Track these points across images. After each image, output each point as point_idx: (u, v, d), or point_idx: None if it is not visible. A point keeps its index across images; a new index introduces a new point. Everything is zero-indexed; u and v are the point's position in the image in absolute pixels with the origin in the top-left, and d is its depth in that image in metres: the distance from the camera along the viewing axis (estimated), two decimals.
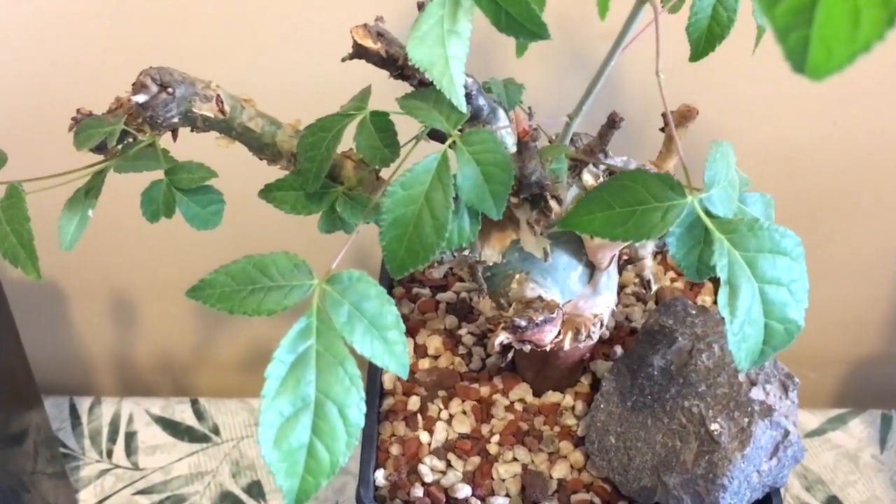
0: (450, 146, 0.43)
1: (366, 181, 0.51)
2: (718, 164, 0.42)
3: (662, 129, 0.59)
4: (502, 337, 0.51)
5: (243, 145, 0.50)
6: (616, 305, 0.59)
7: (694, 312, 0.63)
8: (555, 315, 0.52)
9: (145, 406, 0.96)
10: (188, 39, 0.75)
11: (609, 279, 0.57)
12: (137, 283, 0.95)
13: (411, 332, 0.67)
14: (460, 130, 0.43)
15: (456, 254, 0.53)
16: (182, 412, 0.95)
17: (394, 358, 0.41)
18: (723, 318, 0.54)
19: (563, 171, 0.49)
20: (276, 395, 0.38)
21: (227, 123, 0.48)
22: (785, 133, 0.81)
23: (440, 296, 0.72)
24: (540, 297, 0.52)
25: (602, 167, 0.54)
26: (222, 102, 0.48)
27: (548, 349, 0.53)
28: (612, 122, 0.48)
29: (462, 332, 0.68)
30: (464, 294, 0.72)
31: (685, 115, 0.57)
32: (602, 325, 0.56)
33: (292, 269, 0.41)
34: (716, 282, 0.70)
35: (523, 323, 0.51)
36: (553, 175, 0.47)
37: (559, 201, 0.49)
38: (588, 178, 0.53)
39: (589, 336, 0.56)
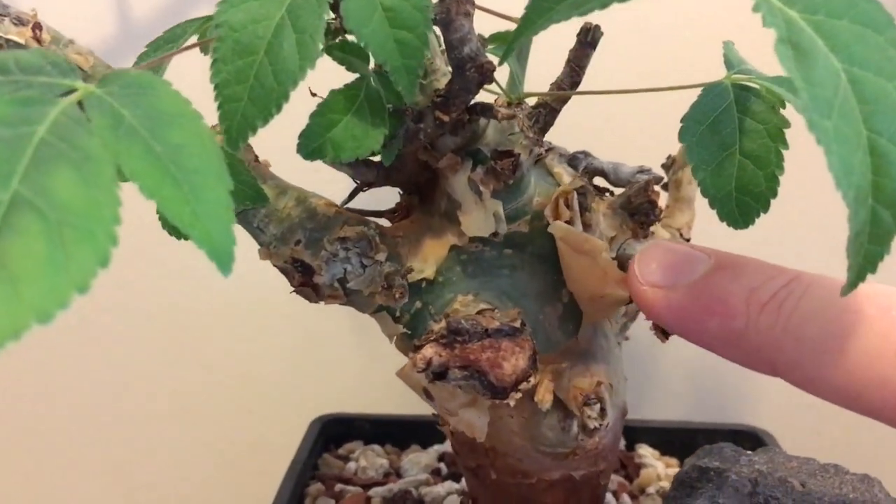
0: None
1: None
2: None
3: (665, 187, 0.44)
4: (431, 353, 0.31)
5: None
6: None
7: (750, 452, 0.41)
8: (518, 326, 0.32)
9: None
10: None
11: (608, 343, 0.37)
12: None
13: None
14: None
15: (365, 262, 0.34)
16: None
17: (202, 222, 0.23)
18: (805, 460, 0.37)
19: (511, 59, 0.33)
20: None
21: None
22: None
23: (374, 490, 0.49)
24: (496, 308, 0.33)
25: (582, 164, 0.38)
26: (41, 29, 0.35)
27: (508, 396, 0.32)
28: (586, 37, 0.33)
29: None
30: (410, 488, 0.49)
31: None
32: (604, 408, 0.35)
33: (44, 66, 0.24)
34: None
35: (466, 326, 0.31)
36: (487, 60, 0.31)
37: (514, 156, 0.33)
38: (560, 171, 0.37)
39: (585, 427, 0.35)
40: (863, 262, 0.23)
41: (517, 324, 0.32)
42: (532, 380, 0.32)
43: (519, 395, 0.32)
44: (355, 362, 0.65)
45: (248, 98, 0.26)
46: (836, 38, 0.23)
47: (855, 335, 0.25)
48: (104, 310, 0.66)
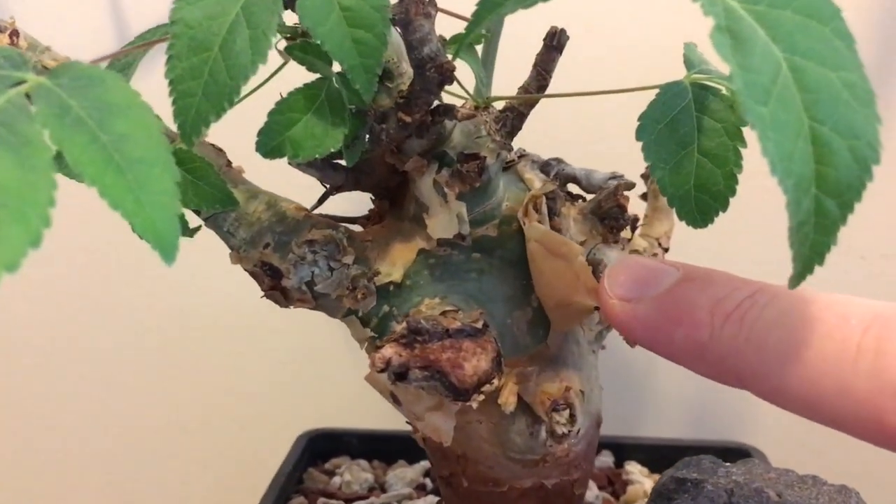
0: None
1: None
2: None
3: (643, 196, 0.44)
4: (390, 353, 0.31)
5: None
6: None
7: (728, 464, 0.41)
8: (480, 327, 0.32)
9: None
10: None
11: (580, 350, 0.37)
12: None
13: None
14: None
15: (333, 265, 0.34)
16: None
17: (146, 211, 0.23)
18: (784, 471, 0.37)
19: (476, 63, 0.33)
20: None
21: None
22: None
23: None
24: (459, 309, 0.33)
25: (554, 171, 0.38)
26: (18, 36, 0.35)
27: (472, 399, 0.32)
28: (552, 41, 0.34)
29: None
30: (393, 502, 0.49)
31: None
32: (574, 414, 0.35)
33: None
34: None
35: (426, 326, 0.31)
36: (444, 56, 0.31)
37: (480, 158, 0.33)
38: (531, 176, 0.37)
39: (553, 433, 0.35)
40: (809, 253, 0.23)
41: (479, 324, 0.32)
42: (496, 382, 0.32)
43: (482, 397, 0.32)
44: (346, 377, 0.65)
45: (203, 94, 0.26)
46: (779, 28, 0.23)
47: (814, 343, 0.25)
48: (94, 324, 0.66)
